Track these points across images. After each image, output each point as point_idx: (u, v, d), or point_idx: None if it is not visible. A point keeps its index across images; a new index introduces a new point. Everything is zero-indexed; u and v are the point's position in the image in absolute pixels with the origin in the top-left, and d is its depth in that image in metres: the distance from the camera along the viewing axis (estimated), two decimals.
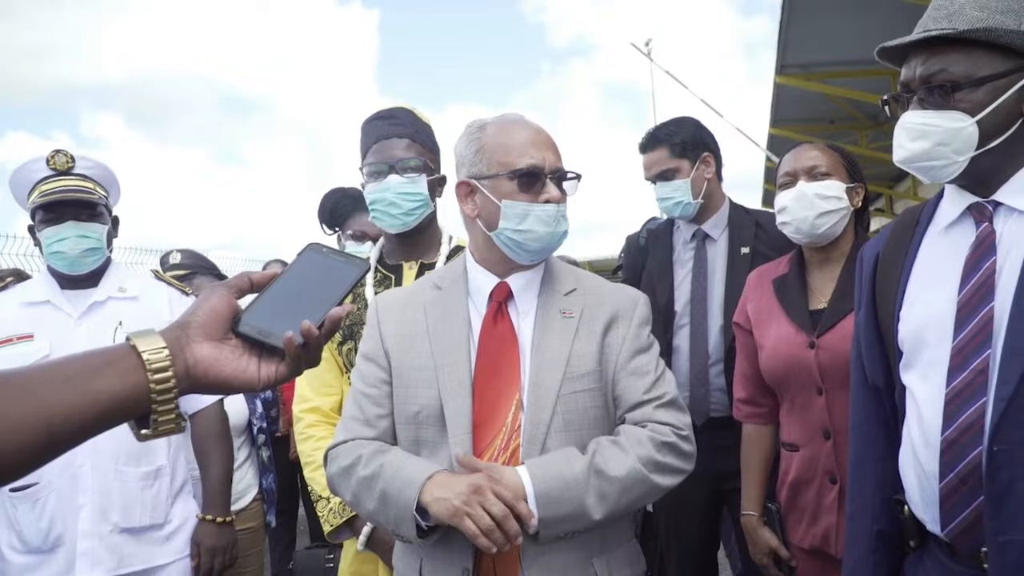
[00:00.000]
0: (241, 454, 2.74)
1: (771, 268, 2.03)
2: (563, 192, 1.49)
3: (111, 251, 2.15)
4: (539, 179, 1.45)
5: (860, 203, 1.91)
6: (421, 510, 1.33)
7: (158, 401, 0.72)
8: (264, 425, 2.81)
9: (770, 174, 13.37)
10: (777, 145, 10.45)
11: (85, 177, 2.07)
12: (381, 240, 2.02)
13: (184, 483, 2.18)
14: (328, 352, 1.92)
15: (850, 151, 1.99)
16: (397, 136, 1.88)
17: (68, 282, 2.08)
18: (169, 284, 2.24)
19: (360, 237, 2.91)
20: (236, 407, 2.72)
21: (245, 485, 2.73)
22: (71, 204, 2.01)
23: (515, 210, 1.44)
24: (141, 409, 0.72)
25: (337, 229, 2.96)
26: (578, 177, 1.51)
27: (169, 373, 0.73)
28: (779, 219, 1.92)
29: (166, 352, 0.73)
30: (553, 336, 1.44)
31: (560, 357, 1.42)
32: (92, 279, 2.09)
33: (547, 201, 1.44)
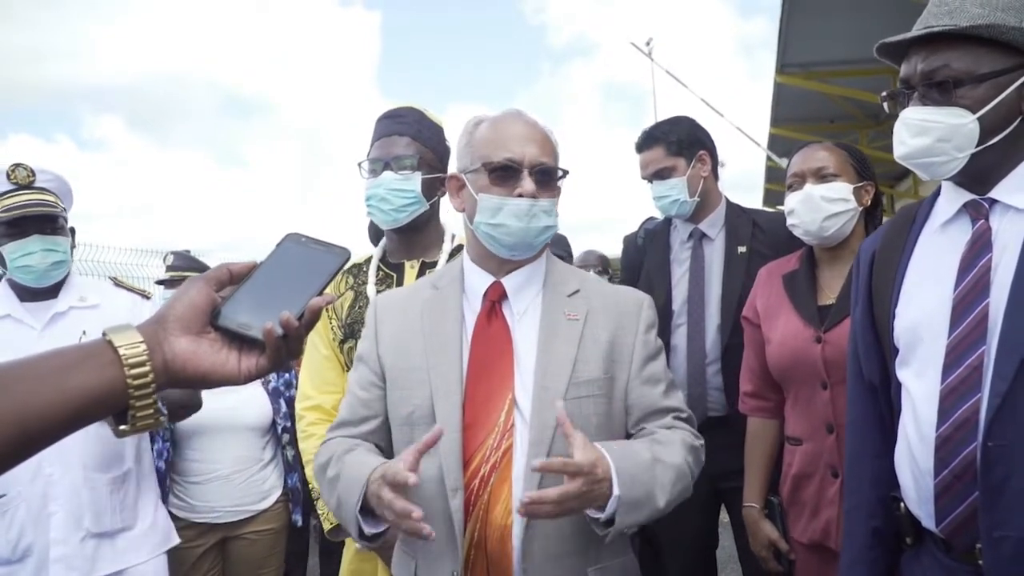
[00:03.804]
0: (266, 454, 2.74)
1: (781, 264, 2.05)
2: (549, 188, 1.46)
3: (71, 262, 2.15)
4: (515, 173, 1.43)
5: (869, 202, 1.91)
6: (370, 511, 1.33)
7: (135, 396, 0.71)
8: (288, 424, 2.81)
9: (771, 173, 13.40)
10: (778, 144, 10.47)
11: (45, 190, 2.07)
12: (384, 239, 2.02)
13: (153, 484, 2.21)
14: (330, 350, 1.92)
15: (860, 149, 1.99)
16: (399, 134, 1.89)
17: (28, 294, 2.08)
18: (130, 290, 2.24)
19: None
20: (260, 407, 2.73)
21: (269, 486, 2.73)
22: (35, 218, 2.01)
23: (489, 203, 1.43)
24: (119, 405, 0.71)
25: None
26: (564, 173, 1.49)
27: (146, 368, 0.71)
28: (788, 221, 1.94)
29: (143, 347, 0.72)
30: (559, 339, 1.43)
31: (567, 361, 1.41)
32: (52, 290, 2.10)
33: (520, 195, 1.42)
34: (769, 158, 11.23)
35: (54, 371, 0.69)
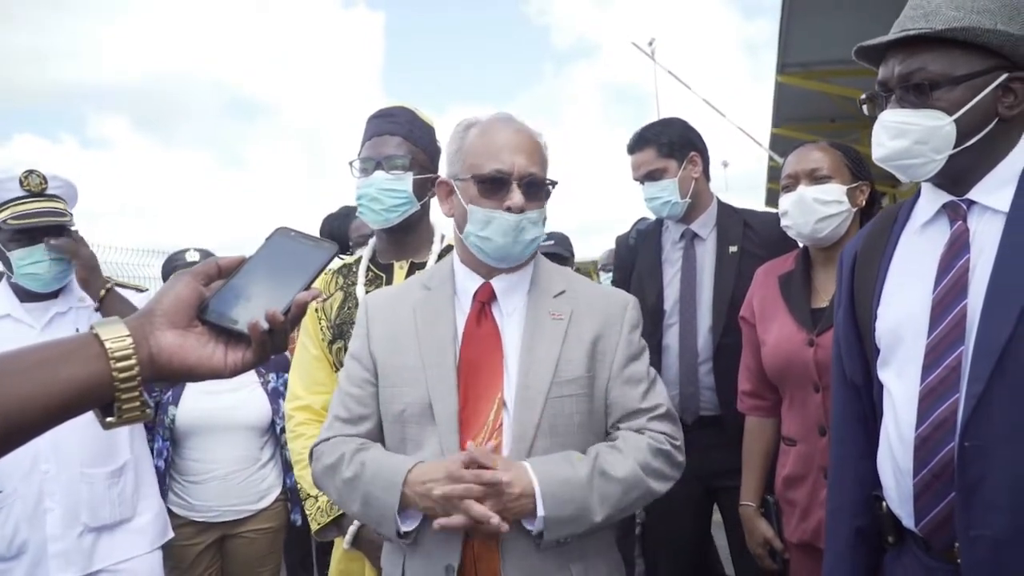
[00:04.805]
0: (265, 454, 2.76)
1: (778, 264, 2.06)
2: (537, 198, 1.46)
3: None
4: (503, 186, 1.43)
5: (864, 202, 1.92)
6: (403, 509, 1.36)
7: (121, 389, 0.72)
8: None
9: (773, 173, 13.37)
10: (779, 144, 10.46)
11: (56, 197, 2.09)
12: (374, 239, 2.03)
13: (149, 476, 2.23)
14: (320, 350, 1.93)
15: (856, 149, 1.99)
16: (390, 133, 1.90)
17: (28, 295, 2.10)
18: (124, 286, 2.26)
19: (365, 241, 2.99)
20: (259, 407, 2.74)
21: (268, 485, 2.75)
22: (45, 227, 2.04)
23: (478, 215, 1.44)
24: (105, 397, 0.73)
25: (350, 245, 3.03)
26: (552, 184, 1.49)
27: (132, 361, 0.73)
28: (782, 222, 1.95)
29: (129, 340, 0.73)
30: (542, 339, 1.44)
31: (549, 360, 1.42)
32: (53, 291, 2.12)
33: (508, 208, 1.42)
34: (771, 158, 11.23)
35: (40, 364, 0.70)
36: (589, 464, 1.37)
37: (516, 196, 1.42)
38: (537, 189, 1.46)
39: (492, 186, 1.43)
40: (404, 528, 1.38)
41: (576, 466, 1.36)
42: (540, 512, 1.31)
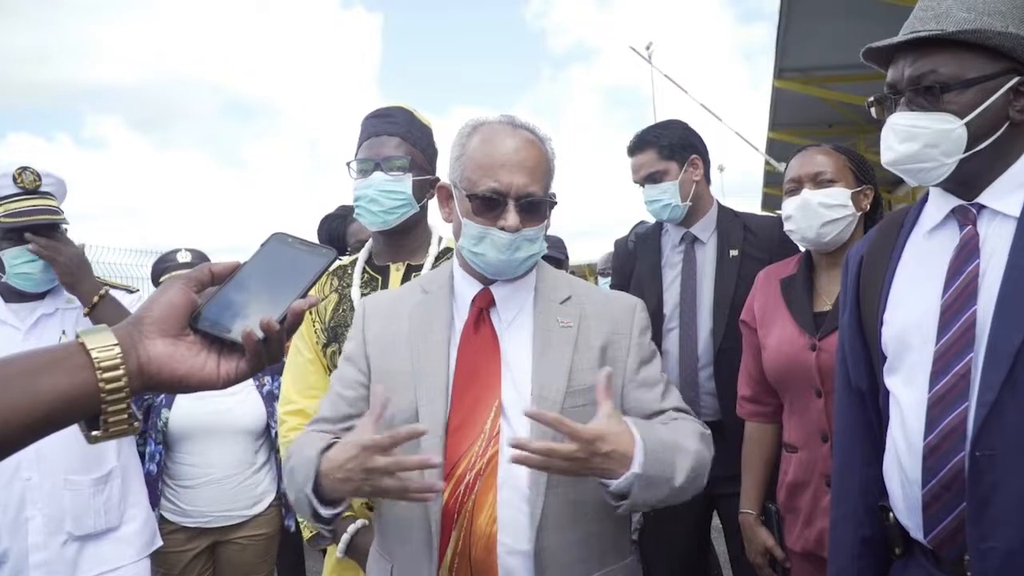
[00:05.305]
0: (260, 458, 2.72)
1: (780, 268, 2.04)
2: (535, 216, 1.41)
3: None
4: (498, 205, 1.39)
5: (868, 206, 1.90)
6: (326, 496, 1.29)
7: (108, 401, 0.68)
8: None
9: (769, 178, 13.43)
10: (776, 149, 10.50)
11: (49, 195, 2.05)
12: (370, 241, 2.01)
13: (137, 484, 2.19)
14: (313, 354, 1.91)
15: (860, 153, 1.98)
16: (388, 134, 1.87)
17: (14, 296, 2.06)
18: (113, 287, 2.22)
19: (362, 247, 2.97)
20: (254, 410, 2.71)
21: (262, 490, 2.71)
22: (40, 226, 2.00)
23: (472, 231, 1.41)
24: (90, 409, 0.69)
25: (348, 249, 3.01)
26: (552, 204, 1.45)
27: (120, 372, 0.69)
28: (786, 226, 1.93)
29: (117, 350, 0.69)
30: (553, 347, 1.41)
31: (563, 370, 1.39)
32: (40, 292, 2.08)
33: (503, 228, 1.38)
34: (767, 163, 11.27)
35: (23, 373, 0.67)
36: (672, 431, 1.34)
37: (511, 217, 1.38)
38: (535, 208, 1.41)
39: (487, 204, 1.39)
40: (323, 512, 1.30)
41: (660, 429, 1.33)
42: (635, 469, 1.22)
